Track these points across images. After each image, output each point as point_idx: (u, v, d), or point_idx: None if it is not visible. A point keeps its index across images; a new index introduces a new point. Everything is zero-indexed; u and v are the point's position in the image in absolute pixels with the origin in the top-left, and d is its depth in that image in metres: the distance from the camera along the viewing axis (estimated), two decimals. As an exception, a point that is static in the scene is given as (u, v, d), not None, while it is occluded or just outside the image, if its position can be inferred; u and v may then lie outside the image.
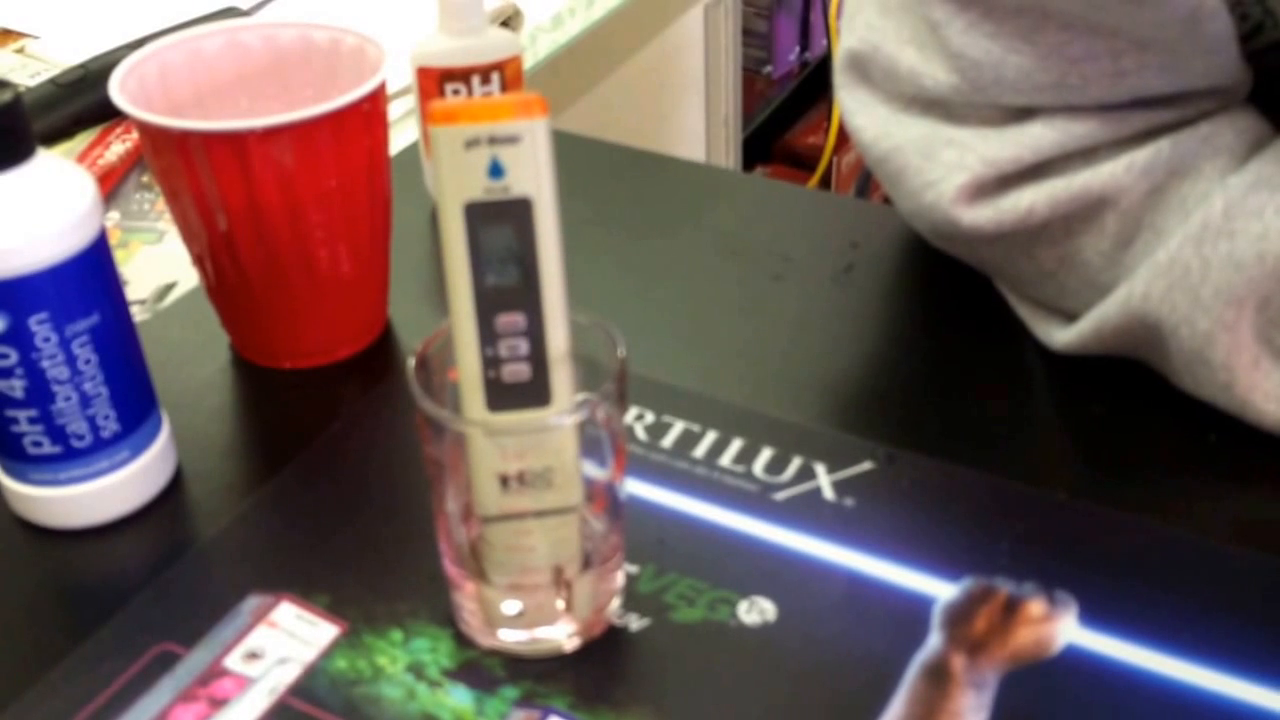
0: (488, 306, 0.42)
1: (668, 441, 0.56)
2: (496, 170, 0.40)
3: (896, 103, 0.60)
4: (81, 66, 0.85)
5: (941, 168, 0.57)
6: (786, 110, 2.02)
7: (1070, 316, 0.58)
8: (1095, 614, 0.48)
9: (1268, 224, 0.51)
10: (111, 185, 0.79)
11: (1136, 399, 0.58)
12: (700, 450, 0.56)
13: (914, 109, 0.59)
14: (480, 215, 0.41)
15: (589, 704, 0.45)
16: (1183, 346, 0.53)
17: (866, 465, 0.55)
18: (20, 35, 0.97)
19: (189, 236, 0.59)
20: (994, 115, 0.56)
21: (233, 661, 0.47)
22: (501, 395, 0.43)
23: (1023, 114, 0.56)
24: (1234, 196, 0.52)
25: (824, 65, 2.02)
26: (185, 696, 0.46)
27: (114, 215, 0.76)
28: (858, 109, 0.62)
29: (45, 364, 0.49)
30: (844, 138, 1.85)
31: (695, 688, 0.46)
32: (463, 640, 0.48)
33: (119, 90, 0.56)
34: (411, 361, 0.44)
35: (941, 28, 0.55)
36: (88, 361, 0.50)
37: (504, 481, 0.44)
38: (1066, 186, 0.55)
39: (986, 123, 0.57)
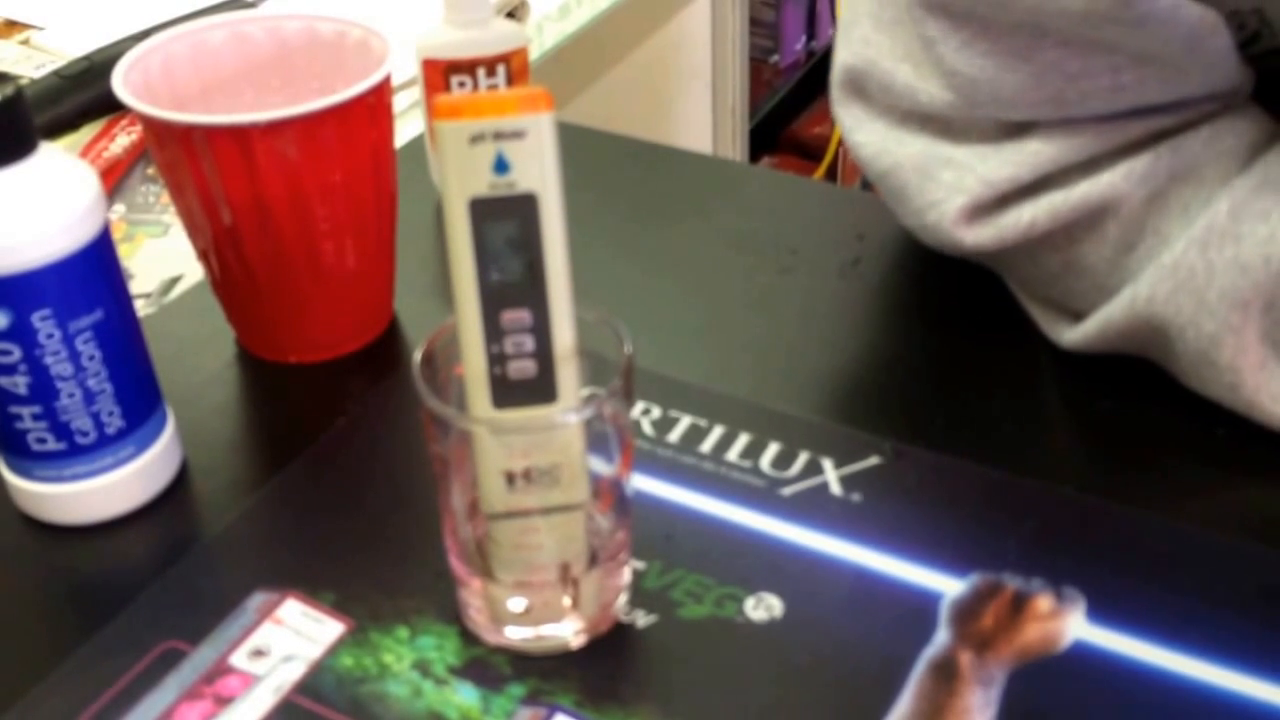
0: (493, 303, 0.41)
1: (674, 436, 0.56)
2: (502, 166, 0.40)
3: (893, 117, 0.60)
4: (86, 58, 0.85)
5: (941, 189, 0.57)
6: (793, 100, 2.01)
7: (1078, 315, 0.58)
8: (1103, 610, 0.47)
9: (1274, 227, 0.50)
10: (116, 178, 0.79)
11: (1145, 394, 0.57)
12: (707, 445, 0.55)
13: (911, 124, 0.59)
14: (485, 211, 0.40)
15: (595, 701, 0.45)
16: (1189, 348, 0.53)
17: (874, 460, 0.54)
18: (25, 27, 0.97)
19: (193, 230, 0.59)
20: (991, 130, 0.56)
21: (238, 659, 0.47)
22: (507, 392, 0.43)
23: (1020, 129, 0.55)
24: (1239, 199, 0.51)
25: (830, 55, 2.01)
26: (191, 694, 0.46)
27: (119, 208, 0.76)
28: (855, 125, 0.62)
29: (49, 360, 0.49)
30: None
31: (702, 684, 0.46)
32: (469, 637, 0.48)
33: (122, 83, 0.55)
34: (417, 359, 0.44)
35: (936, 45, 0.55)
36: (91, 358, 0.50)
37: (510, 479, 0.43)
38: (1066, 198, 0.54)
39: (984, 138, 0.56)
